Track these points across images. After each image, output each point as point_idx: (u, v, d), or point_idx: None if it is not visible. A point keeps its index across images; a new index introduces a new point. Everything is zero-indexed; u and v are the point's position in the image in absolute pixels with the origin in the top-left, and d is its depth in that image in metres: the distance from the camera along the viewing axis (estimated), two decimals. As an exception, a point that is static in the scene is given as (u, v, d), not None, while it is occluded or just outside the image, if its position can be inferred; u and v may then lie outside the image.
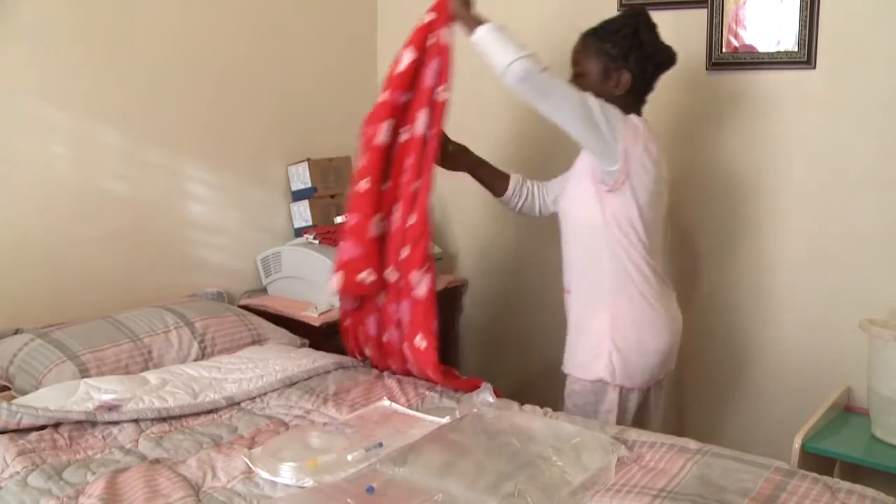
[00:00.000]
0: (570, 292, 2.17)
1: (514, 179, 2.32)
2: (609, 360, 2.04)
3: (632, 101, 2.05)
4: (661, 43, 2.06)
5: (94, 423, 1.81)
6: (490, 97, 2.89)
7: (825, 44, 2.35)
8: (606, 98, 2.00)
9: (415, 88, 2.13)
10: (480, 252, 3.19)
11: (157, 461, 1.66)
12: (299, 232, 2.94)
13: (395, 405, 1.96)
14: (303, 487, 1.54)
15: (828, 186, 2.41)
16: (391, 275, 2.16)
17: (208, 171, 2.73)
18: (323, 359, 2.27)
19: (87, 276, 2.41)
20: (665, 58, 2.06)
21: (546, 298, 3.01)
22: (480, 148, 2.36)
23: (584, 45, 2.07)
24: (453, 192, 3.22)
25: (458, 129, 2.27)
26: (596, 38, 2.05)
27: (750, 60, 2.47)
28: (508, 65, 1.88)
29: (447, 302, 3.15)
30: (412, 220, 2.10)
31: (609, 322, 2.04)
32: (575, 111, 1.91)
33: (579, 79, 2.07)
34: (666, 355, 2.10)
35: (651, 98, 2.12)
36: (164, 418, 1.87)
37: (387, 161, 2.17)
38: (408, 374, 2.21)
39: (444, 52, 2.09)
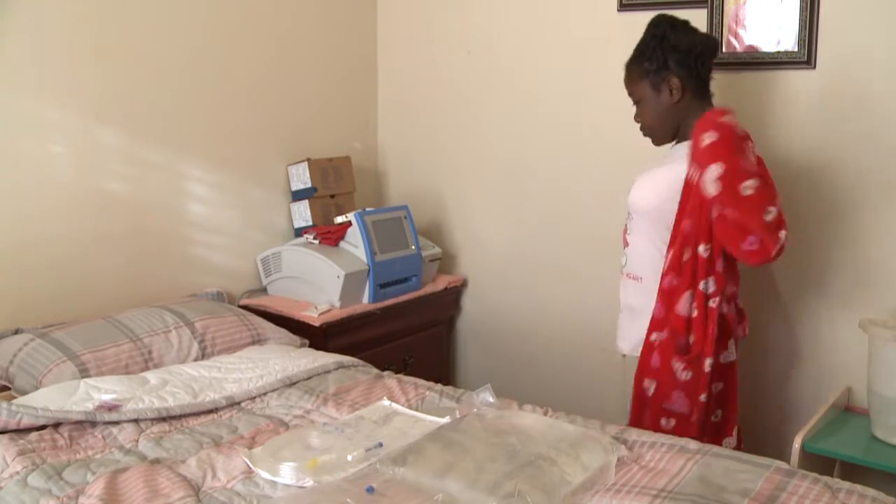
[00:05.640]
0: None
1: None
2: None
3: (694, 100, 2.08)
4: (694, 35, 2.09)
5: (94, 423, 1.81)
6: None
7: (825, 44, 2.35)
8: (670, 109, 2.07)
9: None
10: (480, 252, 3.19)
11: (157, 461, 1.66)
12: (299, 232, 2.94)
13: (395, 405, 1.96)
14: (303, 487, 1.54)
15: (827, 186, 2.41)
16: None
17: (208, 170, 2.73)
18: (323, 359, 2.27)
19: (87, 276, 2.41)
20: (702, 46, 2.07)
21: (546, 298, 3.02)
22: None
23: (628, 75, 2.13)
24: (453, 192, 3.22)
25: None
26: (635, 64, 2.11)
27: (750, 60, 2.47)
28: None
29: (447, 302, 3.16)
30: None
31: None
32: None
33: (639, 105, 2.13)
34: None
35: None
36: (164, 418, 1.87)
37: None
38: None
39: None
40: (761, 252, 1.86)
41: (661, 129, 2.12)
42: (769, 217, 1.85)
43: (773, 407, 2.55)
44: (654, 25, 2.09)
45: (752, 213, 1.85)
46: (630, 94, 2.14)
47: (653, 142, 2.18)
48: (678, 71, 2.04)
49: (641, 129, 2.16)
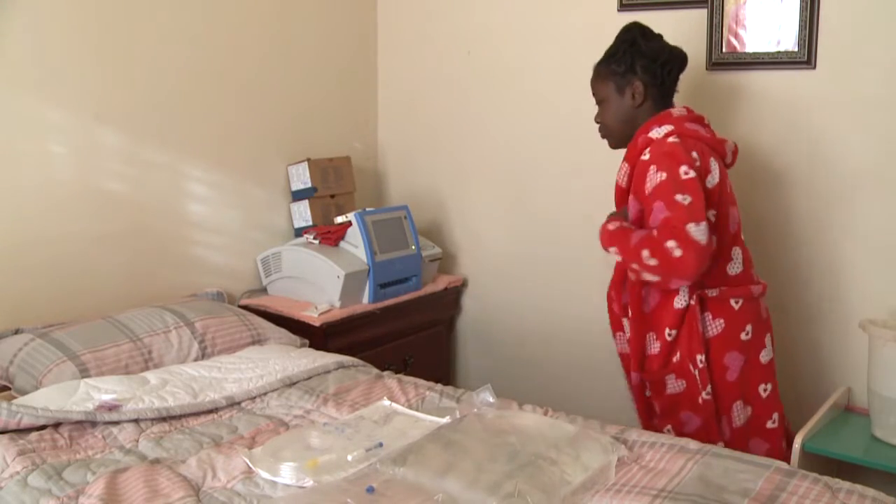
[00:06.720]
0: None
1: None
2: None
3: (654, 108, 2.11)
4: (664, 45, 2.12)
5: (94, 423, 1.82)
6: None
7: (825, 44, 2.35)
8: (630, 113, 2.11)
9: None
10: (480, 252, 3.19)
11: (157, 461, 1.66)
12: (299, 232, 2.94)
13: (395, 405, 1.96)
14: (303, 487, 1.54)
15: (828, 186, 2.41)
16: None
17: (208, 170, 2.73)
18: (323, 359, 2.27)
19: (88, 276, 2.41)
20: (669, 55, 2.10)
21: (546, 298, 3.02)
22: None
23: (595, 75, 2.18)
24: (453, 192, 3.22)
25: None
26: (603, 65, 2.16)
27: (750, 60, 2.47)
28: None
29: (447, 302, 3.16)
30: None
31: None
32: None
33: (601, 105, 2.18)
34: None
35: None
36: (164, 418, 1.87)
37: None
38: None
39: None
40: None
41: (619, 131, 2.16)
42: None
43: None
44: (625, 31, 2.15)
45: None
46: (594, 94, 2.19)
47: (609, 144, 2.21)
48: (643, 76, 2.09)
49: (600, 130, 2.21)
